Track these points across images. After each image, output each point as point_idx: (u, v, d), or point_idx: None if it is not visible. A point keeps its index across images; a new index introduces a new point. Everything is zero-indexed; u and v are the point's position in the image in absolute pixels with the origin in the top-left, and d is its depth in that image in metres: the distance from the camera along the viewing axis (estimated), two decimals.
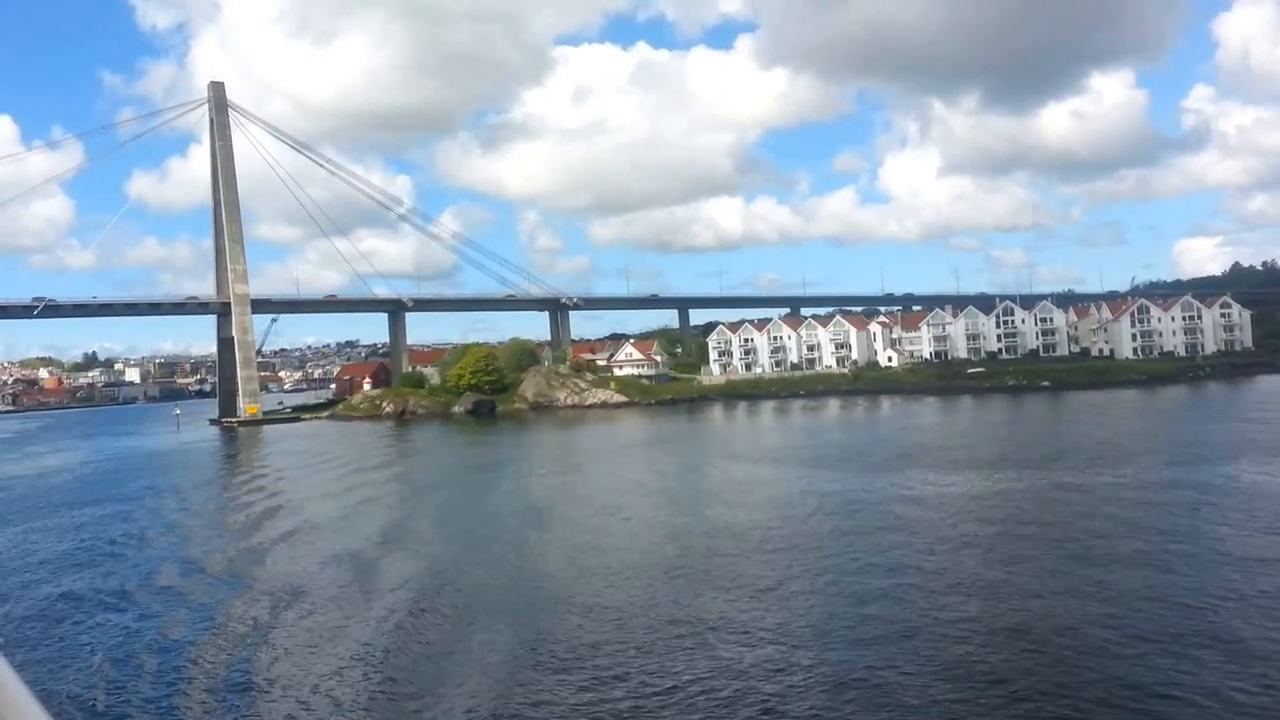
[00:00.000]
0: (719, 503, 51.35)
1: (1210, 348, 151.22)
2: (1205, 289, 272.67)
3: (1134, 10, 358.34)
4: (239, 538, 48.52)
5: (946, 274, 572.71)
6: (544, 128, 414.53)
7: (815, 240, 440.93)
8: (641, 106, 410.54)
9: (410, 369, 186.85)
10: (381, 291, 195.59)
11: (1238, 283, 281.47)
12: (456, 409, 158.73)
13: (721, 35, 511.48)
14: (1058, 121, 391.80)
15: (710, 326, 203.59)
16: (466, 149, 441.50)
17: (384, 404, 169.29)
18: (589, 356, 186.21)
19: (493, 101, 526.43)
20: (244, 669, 26.91)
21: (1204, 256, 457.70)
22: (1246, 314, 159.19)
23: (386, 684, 24.97)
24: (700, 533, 42.49)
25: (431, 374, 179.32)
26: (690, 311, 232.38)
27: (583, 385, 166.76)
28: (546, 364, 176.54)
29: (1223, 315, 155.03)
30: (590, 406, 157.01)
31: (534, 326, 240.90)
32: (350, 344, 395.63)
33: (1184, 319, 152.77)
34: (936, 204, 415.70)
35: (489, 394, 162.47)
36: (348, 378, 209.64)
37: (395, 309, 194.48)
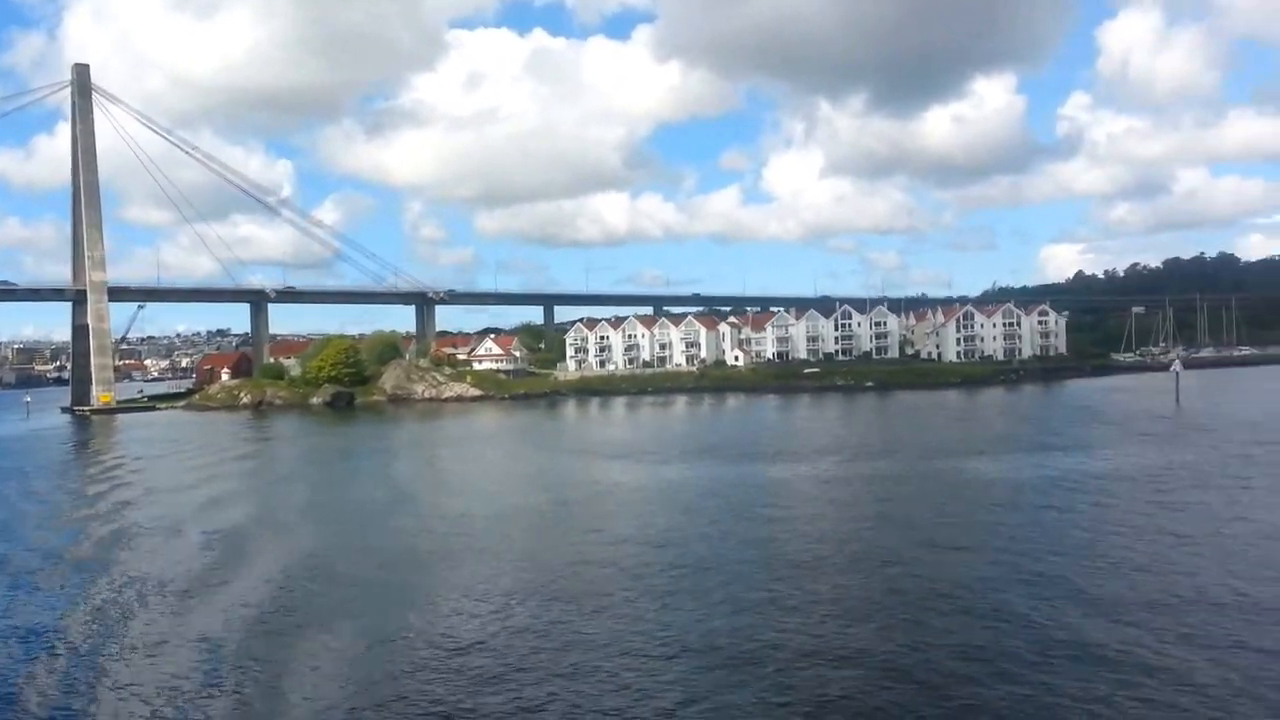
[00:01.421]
0: (528, 491, 55.61)
1: (1027, 352, 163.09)
2: (1053, 295, 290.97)
3: (1021, 15, 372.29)
4: (78, 526, 49.12)
5: (824, 275, 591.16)
6: (433, 115, 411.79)
7: (699, 238, 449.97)
8: (535, 96, 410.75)
9: (272, 360, 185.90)
10: (256, 280, 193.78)
11: (1082, 290, 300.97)
12: (315, 400, 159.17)
13: (620, 25, 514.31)
14: (939, 125, 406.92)
15: (593, 322, 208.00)
16: (351, 135, 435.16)
17: (241, 394, 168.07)
18: (450, 351, 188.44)
19: (381, 86, 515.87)
20: (78, 668, 26.15)
21: (1066, 263, 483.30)
22: (1062, 321, 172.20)
23: (232, 679, 24.71)
24: (509, 519, 46.28)
25: (292, 366, 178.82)
26: (566, 308, 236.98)
27: (440, 379, 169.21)
28: (408, 357, 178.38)
29: (1040, 322, 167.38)
30: (447, 400, 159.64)
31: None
32: (221, 333, 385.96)
33: (1004, 325, 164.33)
34: (817, 205, 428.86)
35: (349, 386, 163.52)
36: (208, 368, 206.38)
37: (258, 300, 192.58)
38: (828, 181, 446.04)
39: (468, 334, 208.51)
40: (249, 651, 26.66)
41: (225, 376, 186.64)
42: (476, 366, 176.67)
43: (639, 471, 61.31)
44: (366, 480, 64.51)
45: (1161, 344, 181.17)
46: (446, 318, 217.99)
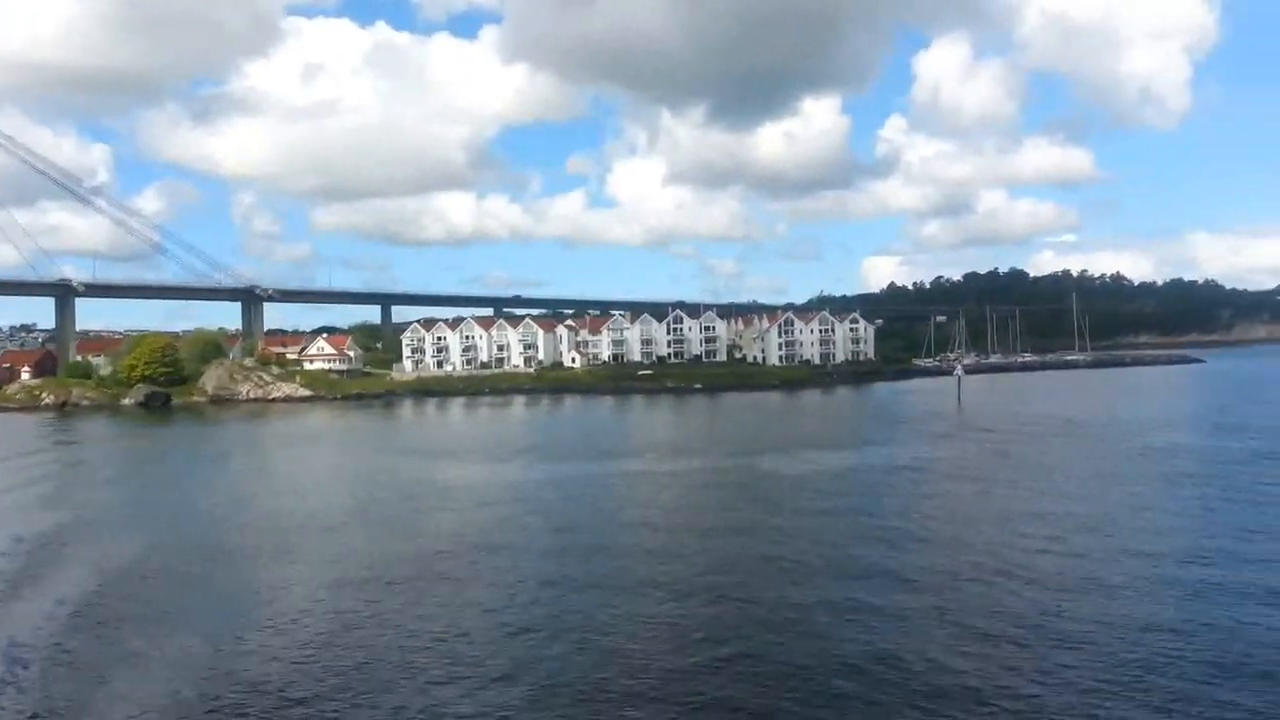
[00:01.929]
0: (352, 492, 57.67)
1: (840, 357, 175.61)
2: (870, 304, 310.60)
3: (845, 41, 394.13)
4: None
5: (666, 279, 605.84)
6: (268, 104, 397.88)
7: (545, 240, 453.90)
8: (377, 90, 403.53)
9: (79, 358, 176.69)
10: (63, 272, 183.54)
11: (894, 300, 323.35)
12: (127, 401, 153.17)
13: (466, 24, 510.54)
14: (772, 141, 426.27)
15: (430, 322, 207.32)
16: (177, 120, 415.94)
17: (43, 394, 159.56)
18: (279, 350, 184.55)
19: (210, 70, 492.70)
20: None
21: (885, 273, 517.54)
22: (870, 329, 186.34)
23: (43, 683, 24.46)
24: (333, 520, 48.08)
25: (102, 364, 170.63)
26: (408, 307, 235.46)
27: (267, 379, 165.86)
28: (232, 356, 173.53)
29: (851, 329, 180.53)
30: (274, 400, 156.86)
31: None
32: (26, 328, 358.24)
33: (820, 331, 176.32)
34: (659, 212, 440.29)
35: (166, 386, 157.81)
36: (7, 365, 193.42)
37: (63, 293, 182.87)
38: (669, 189, 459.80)
39: (303, 333, 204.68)
40: (65, 652, 26.74)
41: (26, 375, 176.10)
42: (308, 366, 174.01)
43: (468, 470, 64.30)
44: (182, 484, 63.60)
45: (957, 351, 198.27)
46: (283, 316, 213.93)
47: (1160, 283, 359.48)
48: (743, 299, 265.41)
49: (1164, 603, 28.11)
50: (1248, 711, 20.32)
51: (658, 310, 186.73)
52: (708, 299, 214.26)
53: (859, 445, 71.14)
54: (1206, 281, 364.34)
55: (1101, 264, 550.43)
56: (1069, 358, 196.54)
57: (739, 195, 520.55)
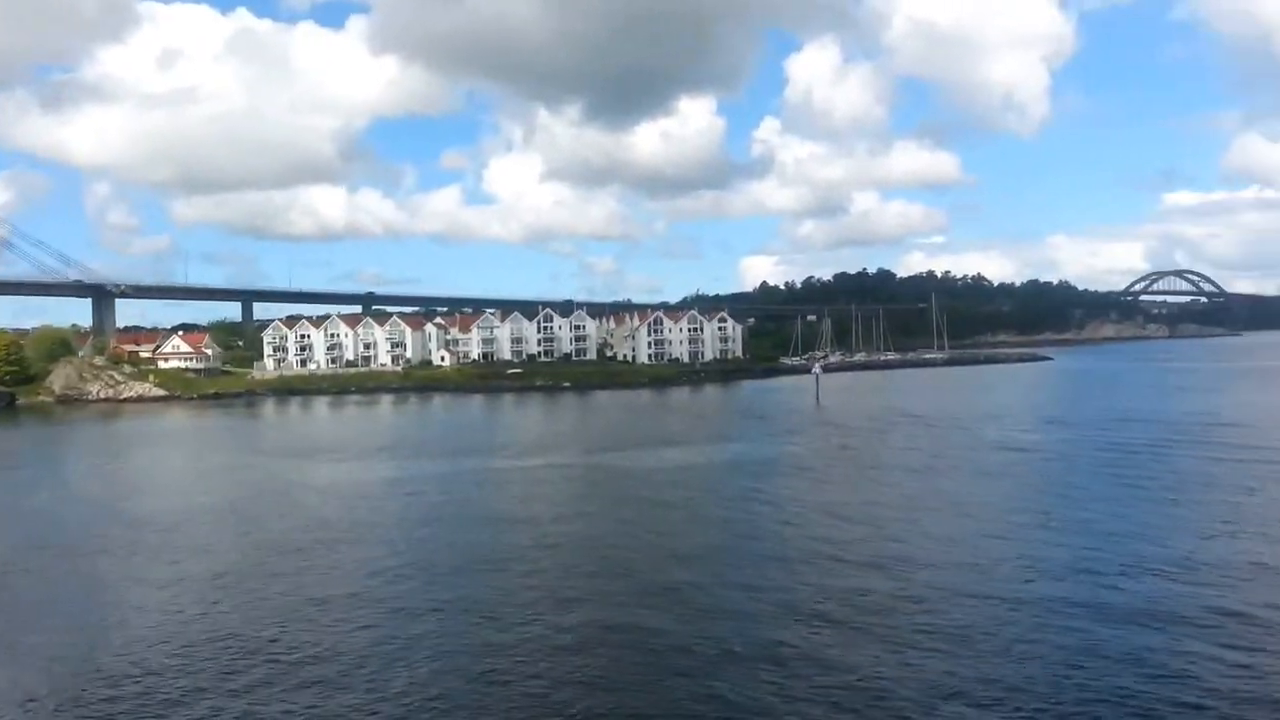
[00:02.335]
0: (201, 493, 55.78)
1: (709, 355, 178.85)
2: (744, 303, 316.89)
3: (719, 42, 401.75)
4: None
5: (545, 278, 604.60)
6: (123, 91, 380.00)
7: (420, 236, 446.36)
8: (239, 78, 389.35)
9: None
10: None
11: (767, 300, 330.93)
12: None
13: (332, 13, 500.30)
14: (649, 140, 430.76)
15: (294, 320, 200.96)
16: (24, 107, 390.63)
17: None
18: (133, 348, 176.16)
19: (59, 55, 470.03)
20: None
21: (762, 273, 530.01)
22: (739, 328, 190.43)
23: None
24: (180, 522, 46.82)
25: None
26: (274, 304, 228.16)
27: (119, 378, 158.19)
28: (82, 355, 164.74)
29: (720, 328, 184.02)
30: (126, 400, 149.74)
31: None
32: None
33: (689, 330, 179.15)
34: (537, 209, 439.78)
35: (10, 386, 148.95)
36: None
37: None
38: (547, 186, 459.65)
39: (161, 330, 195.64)
40: None
41: None
42: (163, 365, 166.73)
43: (325, 470, 63.43)
44: (29, 485, 61.42)
45: (823, 349, 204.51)
46: (143, 314, 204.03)
47: (1019, 284, 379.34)
48: (621, 297, 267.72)
49: (958, 577, 30.29)
50: (1015, 672, 22.00)
51: (528, 309, 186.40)
52: (586, 297, 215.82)
53: (713, 441, 73.00)
54: (1060, 283, 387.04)
55: (968, 265, 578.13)
56: (928, 356, 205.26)
57: (617, 194, 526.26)
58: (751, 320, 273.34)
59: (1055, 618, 25.86)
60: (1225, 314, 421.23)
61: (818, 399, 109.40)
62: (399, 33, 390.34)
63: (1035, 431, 72.37)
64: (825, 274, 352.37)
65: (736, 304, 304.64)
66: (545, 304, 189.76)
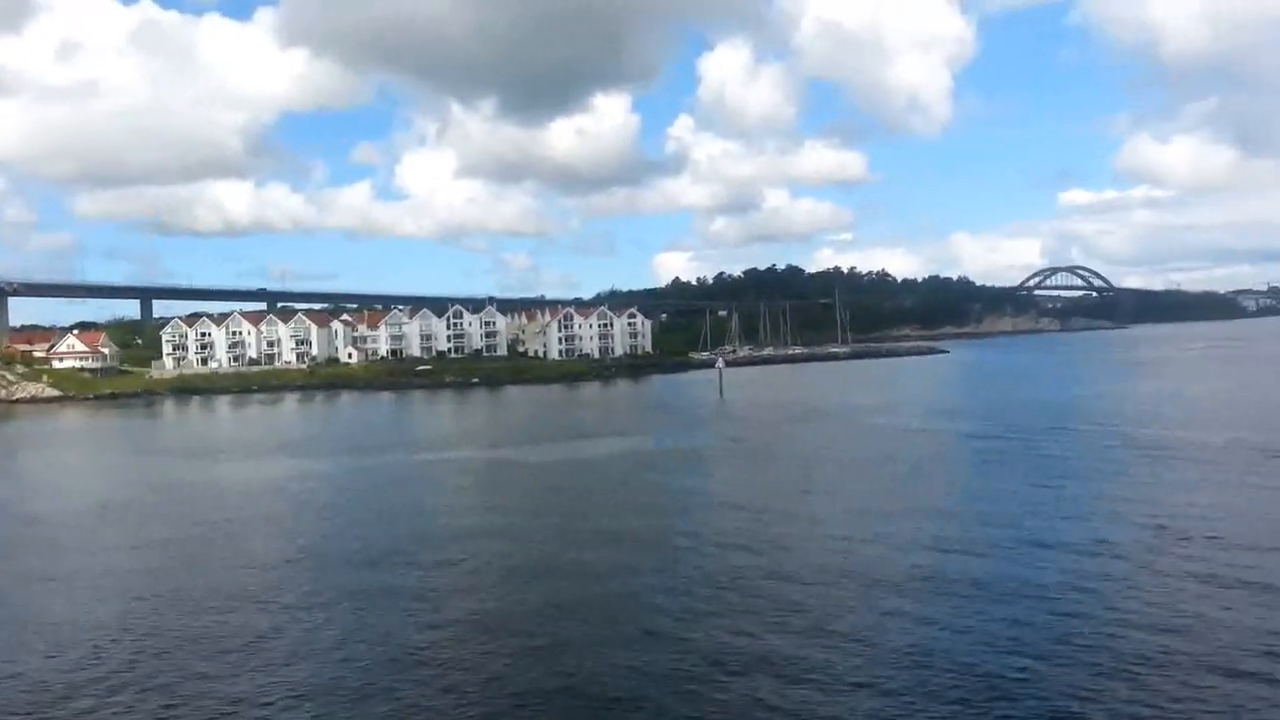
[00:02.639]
0: (82, 495, 55.07)
1: (619, 350, 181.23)
2: (658, 299, 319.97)
3: (633, 39, 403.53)
4: None
5: (459, 274, 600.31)
6: (19, 83, 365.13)
7: (331, 232, 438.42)
8: (143, 71, 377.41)
9: None
10: None
11: (680, 295, 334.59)
12: None
13: (239, 5, 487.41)
14: (563, 136, 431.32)
15: (195, 317, 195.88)
16: None
17: None
18: (25, 348, 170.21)
19: None
20: None
21: (677, 269, 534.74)
22: (649, 324, 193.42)
23: None
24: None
25: None
26: (177, 302, 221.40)
27: (11, 379, 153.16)
28: None
29: (629, 324, 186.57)
30: (19, 402, 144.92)
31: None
32: None
33: (599, 326, 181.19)
34: (451, 205, 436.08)
35: None
36: None
37: None
38: (461, 182, 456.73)
39: (58, 329, 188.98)
40: None
41: None
42: (58, 365, 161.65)
43: (222, 470, 63.22)
44: None
45: (732, 344, 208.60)
46: (40, 312, 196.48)
47: (921, 279, 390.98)
48: (537, 294, 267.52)
49: (819, 559, 32.56)
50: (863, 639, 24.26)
51: (441, 306, 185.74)
52: (501, 294, 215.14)
53: (613, 435, 74.83)
54: (960, 279, 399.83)
55: (875, 261, 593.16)
56: (832, 350, 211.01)
57: (532, 190, 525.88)
58: (664, 316, 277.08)
59: (901, 594, 28.13)
60: (1114, 308, 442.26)
61: (721, 393, 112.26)
62: (308, 25, 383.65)
63: (924, 420, 75.88)
64: (737, 270, 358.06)
65: (650, 300, 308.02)
66: (455, 301, 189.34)
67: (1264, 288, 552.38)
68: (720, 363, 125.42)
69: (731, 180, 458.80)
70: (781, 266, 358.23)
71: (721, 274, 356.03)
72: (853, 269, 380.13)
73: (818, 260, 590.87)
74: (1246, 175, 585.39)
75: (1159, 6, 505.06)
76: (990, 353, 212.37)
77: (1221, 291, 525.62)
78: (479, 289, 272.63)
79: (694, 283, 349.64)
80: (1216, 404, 78.14)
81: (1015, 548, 33.01)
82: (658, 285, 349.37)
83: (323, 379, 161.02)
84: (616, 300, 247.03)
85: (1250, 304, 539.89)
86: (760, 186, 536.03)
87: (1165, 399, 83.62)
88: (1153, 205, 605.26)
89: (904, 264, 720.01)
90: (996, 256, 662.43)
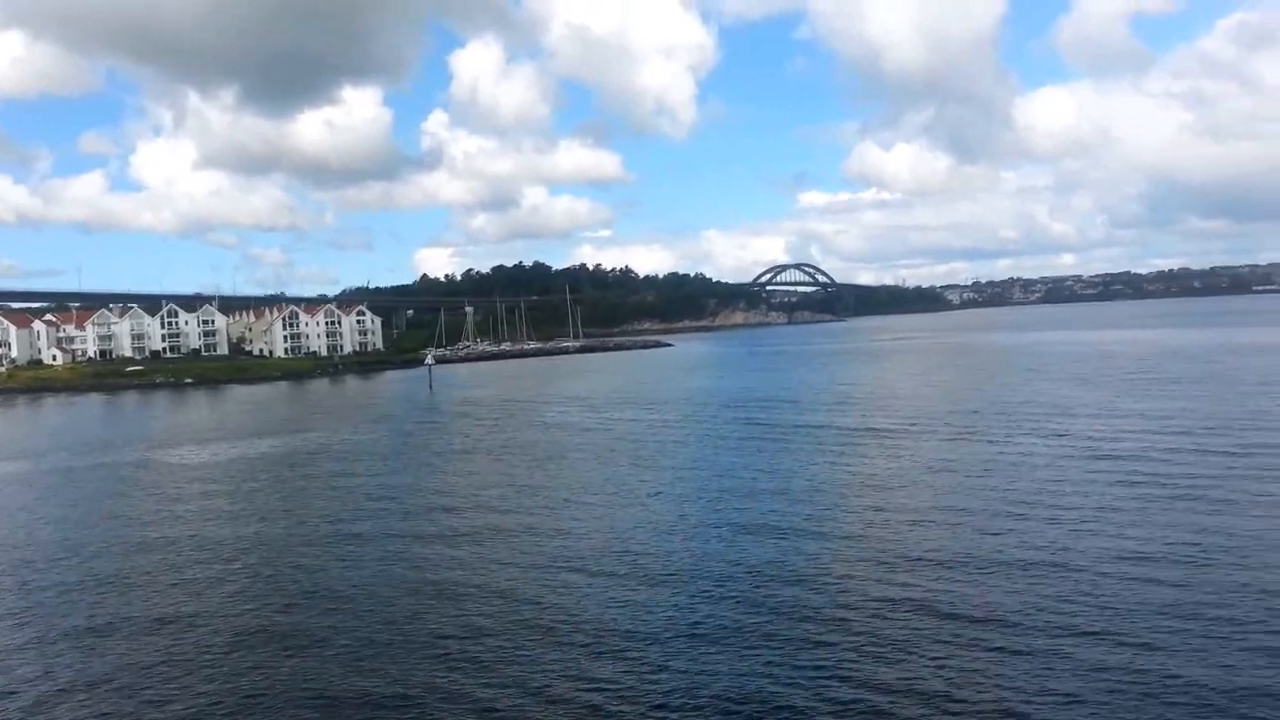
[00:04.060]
0: None
1: (349, 348, 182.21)
2: (408, 294, 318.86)
3: (380, 31, 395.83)
4: None
5: (207, 269, 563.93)
6: None
7: (59, 225, 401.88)
8: None
9: None
10: None
11: (428, 292, 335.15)
12: None
13: None
14: (312, 128, 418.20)
15: None
16: None
17: None
18: None
19: None
20: None
21: (439, 265, 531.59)
22: (378, 321, 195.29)
23: None
24: None
25: None
26: None
27: None
28: None
29: (359, 322, 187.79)
30: None
31: None
32: None
33: (326, 324, 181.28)
34: (192, 197, 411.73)
35: None
36: None
37: None
38: (203, 174, 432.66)
39: None
40: None
41: None
42: None
43: None
44: None
45: (467, 340, 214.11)
46: None
47: (661, 276, 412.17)
48: (291, 290, 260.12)
49: (481, 546, 39.32)
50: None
51: (183, 301, 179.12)
52: (255, 290, 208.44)
53: (297, 431, 78.70)
54: (697, 275, 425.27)
55: (633, 258, 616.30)
56: (564, 344, 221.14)
57: (281, 183, 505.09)
58: (410, 312, 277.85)
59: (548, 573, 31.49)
60: (837, 302, 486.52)
61: (430, 387, 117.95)
62: (24, 6, 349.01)
63: (605, 410, 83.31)
64: (488, 267, 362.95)
65: (402, 296, 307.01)
66: (181, 299, 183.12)
67: (968, 283, 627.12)
68: (430, 359, 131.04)
69: (489, 177, 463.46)
70: (532, 264, 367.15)
71: (470, 270, 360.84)
72: (598, 266, 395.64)
73: (577, 256, 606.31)
74: (960, 180, 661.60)
75: (877, 23, 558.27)
76: (711, 345, 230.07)
77: (934, 286, 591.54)
78: (227, 285, 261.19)
79: (443, 279, 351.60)
80: (838, 393, 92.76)
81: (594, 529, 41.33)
82: (415, 282, 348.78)
83: (22, 382, 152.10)
84: (364, 296, 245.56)
85: (955, 297, 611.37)
86: (518, 183, 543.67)
87: (810, 386, 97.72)
88: (881, 207, 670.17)
89: (661, 260, 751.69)
90: (744, 253, 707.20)
